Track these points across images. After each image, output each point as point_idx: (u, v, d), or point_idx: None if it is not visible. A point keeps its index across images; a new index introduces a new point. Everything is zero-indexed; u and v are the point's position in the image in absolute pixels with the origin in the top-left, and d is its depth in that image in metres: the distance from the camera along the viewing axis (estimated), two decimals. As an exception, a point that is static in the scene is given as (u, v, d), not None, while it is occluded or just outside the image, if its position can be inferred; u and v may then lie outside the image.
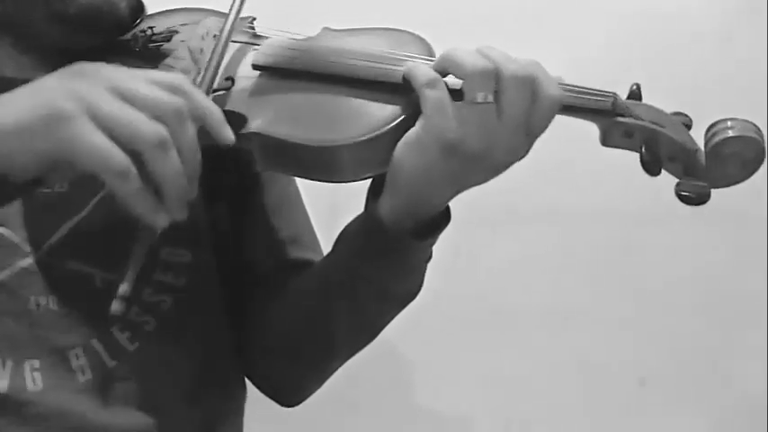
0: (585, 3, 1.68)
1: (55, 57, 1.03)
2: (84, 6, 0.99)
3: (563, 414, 1.69)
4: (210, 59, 0.93)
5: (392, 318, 1.04)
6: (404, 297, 1.01)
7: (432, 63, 0.89)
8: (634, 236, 1.69)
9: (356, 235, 0.97)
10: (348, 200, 1.00)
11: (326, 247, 1.15)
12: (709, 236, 1.69)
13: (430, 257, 0.98)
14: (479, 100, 0.83)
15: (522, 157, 0.88)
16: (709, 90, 1.59)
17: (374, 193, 0.94)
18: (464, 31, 1.14)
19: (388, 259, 0.95)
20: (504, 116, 0.84)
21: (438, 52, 0.96)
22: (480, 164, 0.86)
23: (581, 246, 1.68)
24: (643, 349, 1.69)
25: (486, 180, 0.89)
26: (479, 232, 1.60)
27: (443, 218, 0.94)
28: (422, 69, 0.86)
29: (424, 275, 1.00)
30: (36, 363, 0.94)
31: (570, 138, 1.35)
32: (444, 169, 0.86)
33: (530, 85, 0.84)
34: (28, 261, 0.97)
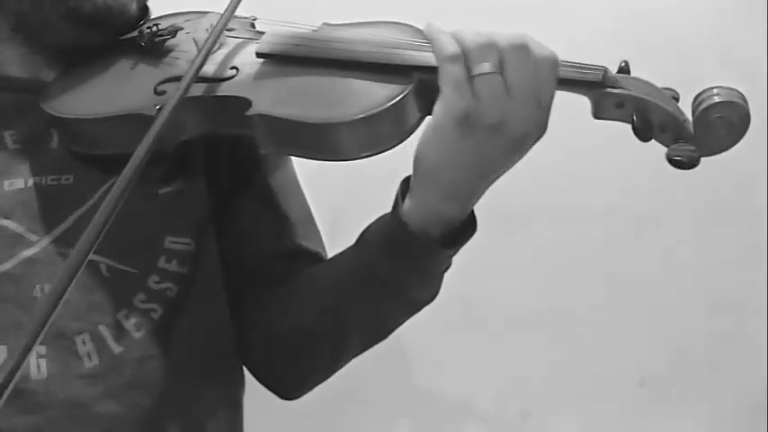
0: (583, 2, 1.70)
1: (64, 55, 1.05)
2: (98, 6, 1.02)
3: (563, 414, 1.69)
4: (207, 38, 0.95)
5: (404, 321, 1.05)
6: (421, 303, 1.03)
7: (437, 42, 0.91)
8: (634, 236, 1.70)
9: (381, 240, 0.98)
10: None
11: (328, 244, 1.16)
12: (709, 236, 1.69)
13: (449, 266, 1.00)
14: (487, 70, 0.86)
15: (542, 130, 0.89)
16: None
17: (402, 195, 0.96)
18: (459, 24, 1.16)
19: (412, 267, 0.97)
20: (510, 84, 0.86)
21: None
22: (500, 138, 0.88)
23: (581, 245, 1.69)
24: (643, 349, 1.70)
25: (509, 161, 0.90)
26: (479, 232, 1.61)
27: (469, 226, 0.96)
28: (445, 43, 0.88)
29: (441, 282, 1.01)
30: (42, 349, 0.95)
31: (570, 138, 1.36)
32: (465, 148, 0.88)
33: (526, 50, 0.87)
34: (33, 250, 0.98)
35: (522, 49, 0.86)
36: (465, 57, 0.87)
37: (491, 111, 0.86)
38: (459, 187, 0.92)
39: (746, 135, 0.88)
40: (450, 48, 0.87)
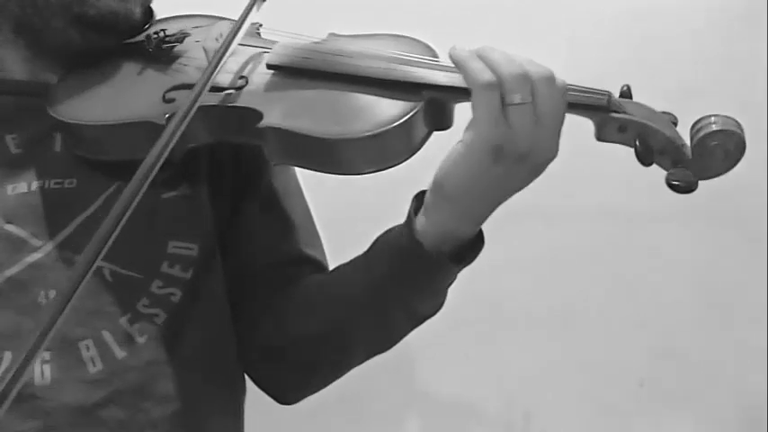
0: (583, 2, 1.69)
1: (67, 58, 1.05)
2: (104, 10, 1.02)
3: (563, 414, 1.70)
4: (216, 53, 0.95)
5: (407, 334, 1.06)
6: (426, 316, 1.04)
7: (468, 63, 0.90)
8: (633, 236, 1.70)
9: (394, 257, 0.99)
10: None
11: (329, 250, 1.16)
12: (709, 236, 1.70)
13: (455, 279, 1.00)
14: (518, 101, 0.87)
15: (556, 154, 0.91)
16: (705, 92, 1.60)
17: (416, 210, 0.97)
18: (460, 33, 1.15)
19: (424, 283, 0.98)
20: (540, 114, 0.88)
21: (439, 54, 0.99)
22: (525, 165, 0.89)
23: (581, 245, 1.69)
24: (643, 349, 1.70)
25: (525, 185, 0.92)
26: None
27: (478, 241, 0.97)
28: (480, 70, 0.88)
29: (446, 295, 1.02)
30: (47, 355, 0.95)
31: (570, 138, 1.36)
32: (492, 174, 0.89)
33: (554, 81, 0.88)
34: (37, 256, 0.98)
35: (551, 80, 0.88)
36: (500, 85, 0.87)
37: (523, 140, 0.87)
38: (477, 209, 0.94)
39: (746, 135, 0.89)
40: (486, 76, 0.87)
